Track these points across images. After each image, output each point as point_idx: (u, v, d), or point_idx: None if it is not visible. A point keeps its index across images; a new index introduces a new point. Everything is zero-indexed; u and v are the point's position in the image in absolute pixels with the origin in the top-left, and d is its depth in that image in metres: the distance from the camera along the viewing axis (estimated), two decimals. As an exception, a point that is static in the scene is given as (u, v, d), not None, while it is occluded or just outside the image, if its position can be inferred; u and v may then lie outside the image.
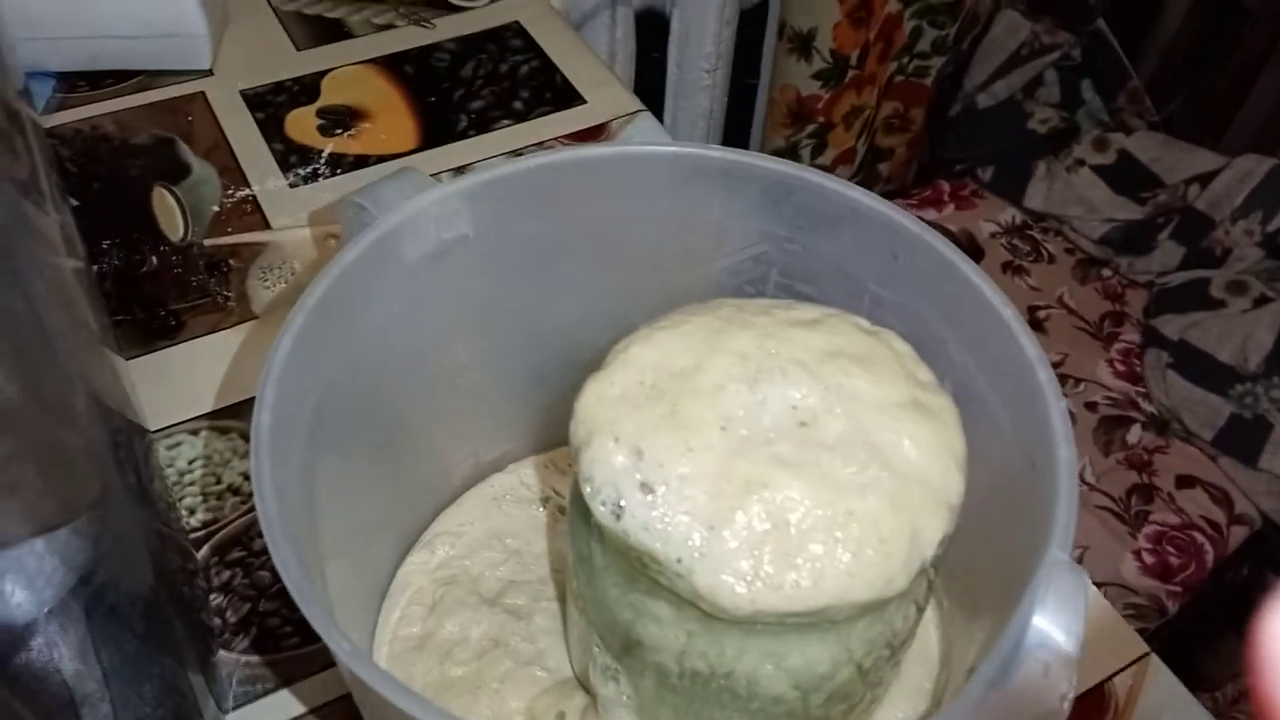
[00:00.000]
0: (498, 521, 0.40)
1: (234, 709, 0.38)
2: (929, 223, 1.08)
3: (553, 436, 0.42)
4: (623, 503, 0.25)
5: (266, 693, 0.38)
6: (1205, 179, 1.00)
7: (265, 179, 0.57)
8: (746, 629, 0.26)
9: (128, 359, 0.48)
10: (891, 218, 0.32)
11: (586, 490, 0.26)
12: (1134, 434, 0.89)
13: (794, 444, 0.26)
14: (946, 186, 1.09)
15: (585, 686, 0.35)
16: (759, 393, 0.27)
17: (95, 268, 0.52)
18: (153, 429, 0.46)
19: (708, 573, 0.24)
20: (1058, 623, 0.23)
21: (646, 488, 0.25)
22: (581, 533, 0.29)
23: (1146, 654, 0.39)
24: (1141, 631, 0.80)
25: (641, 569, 0.26)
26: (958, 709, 0.23)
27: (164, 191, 0.56)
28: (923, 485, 0.26)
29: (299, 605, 0.23)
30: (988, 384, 0.30)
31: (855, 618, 0.26)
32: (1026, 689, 0.23)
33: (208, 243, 0.54)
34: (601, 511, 0.26)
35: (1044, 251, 1.04)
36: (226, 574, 0.42)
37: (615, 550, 0.26)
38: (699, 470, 0.25)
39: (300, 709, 0.38)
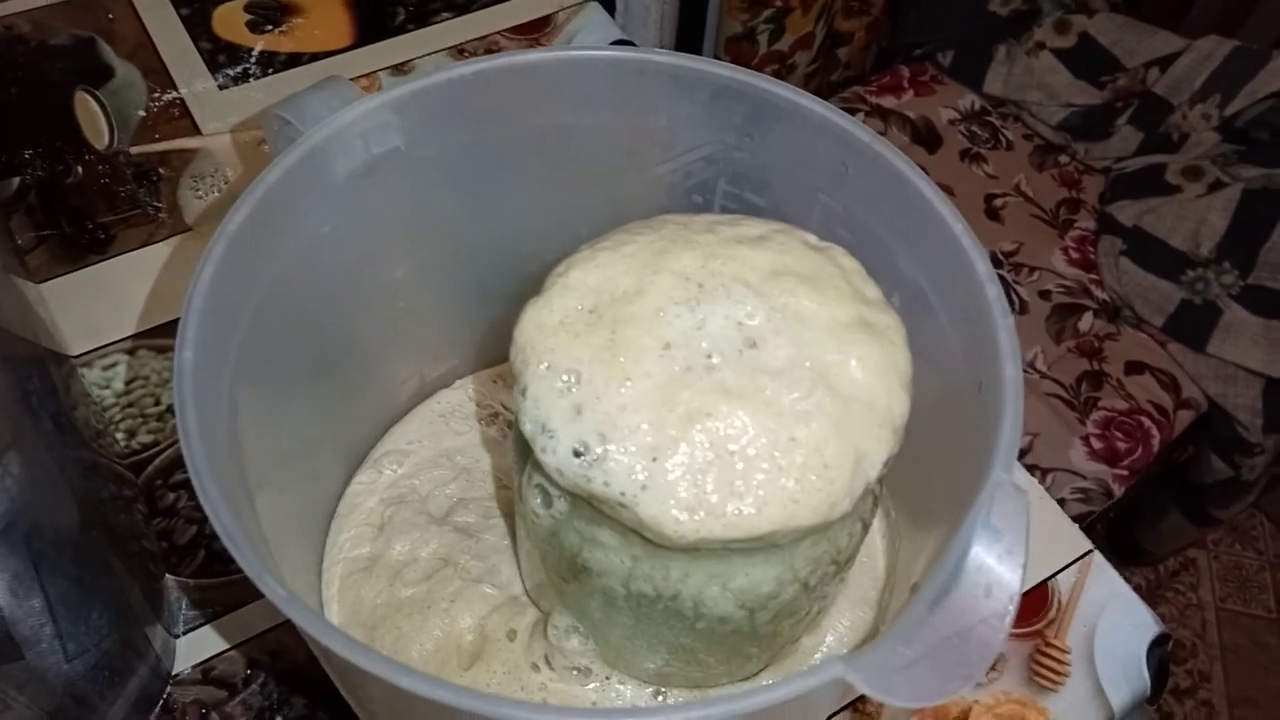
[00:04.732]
0: (446, 439, 0.39)
1: (185, 633, 0.37)
2: (887, 110, 1.04)
3: (499, 351, 0.41)
4: (561, 437, 0.25)
5: (217, 616, 0.38)
6: (1165, 62, 0.99)
7: (193, 81, 0.54)
8: (692, 554, 0.26)
9: (55, 276, 0.47)
10: (842, 126, 0.31)
11: (525, 426, 0.25)
12: (1086, 321, 0.89)
13: (737, 371, 0.25)
14: (906, 72, 1.06)
15: (535, 603, 0.35)
16: (700, 314, 0.26)
17: (18, 179, 0.50)
18: (85, 350, 0.44)
19: (651, 503, 0.24)
20: (998, 546, 0.23)
21: (586, 419, 0.25)
22: (524, 462, 0.29)
23: (1090, 552, 0.40)
24: (1087, 514, 0.82)
25: (586, 499, 0.25)
26: (899, 629, 0.23)
27: (86, 96, 0.53)
28: (867, 408, 0.26)
29: (232, 554, 0.22)
30: (937, 299, 0.30)
31: (800, 539, 0.26)
32: (967, 610, 0.23)
33: (135, 151, 0.52)
34: (539, 447, 0.25)
35: (1002, 138, 1.03)
36: (170, 496, 0.41)
37: (558, 485, 0.26)
38: (640, 400, 0.25)
39: (253, 631, 0.38)
